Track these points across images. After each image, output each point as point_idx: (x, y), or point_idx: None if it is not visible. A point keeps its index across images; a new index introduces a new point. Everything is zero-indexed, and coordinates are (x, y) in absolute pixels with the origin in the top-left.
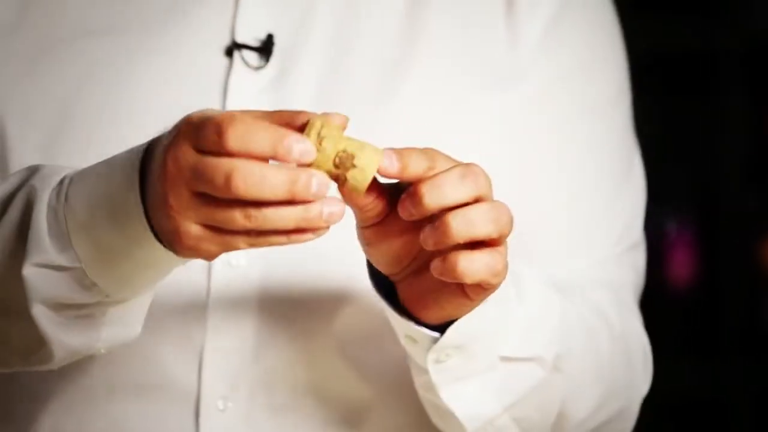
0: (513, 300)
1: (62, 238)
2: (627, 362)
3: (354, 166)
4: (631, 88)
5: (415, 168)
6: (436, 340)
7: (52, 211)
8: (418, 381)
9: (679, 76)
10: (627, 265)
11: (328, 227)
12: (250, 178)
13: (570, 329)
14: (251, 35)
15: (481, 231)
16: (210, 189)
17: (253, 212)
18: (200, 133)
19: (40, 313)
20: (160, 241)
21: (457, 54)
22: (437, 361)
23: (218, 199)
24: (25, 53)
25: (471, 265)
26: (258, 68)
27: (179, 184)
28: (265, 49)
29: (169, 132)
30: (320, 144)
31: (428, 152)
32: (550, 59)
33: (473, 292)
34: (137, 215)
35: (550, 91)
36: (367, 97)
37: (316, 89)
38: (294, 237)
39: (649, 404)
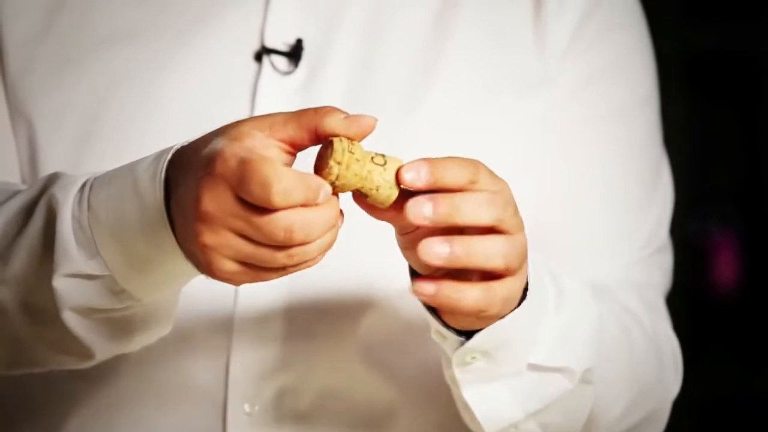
0: (551, 308)
1: (90, 246)
2: (659, 363)
3: (376, 189)
4: (677, 92)
5: (452, 179)
6: (462, 343)
7: (76, 220)
8: (447, 373)
9: (722, 80)
10: (655, 267)
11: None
12: (305, 228)
13: (606, 336)
14: (280, 40)
15: (492, 265)
16: (266, 240)
17: (296, 251)
18: (245, 188)
19: (70, 318)
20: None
21: (485, 60)
22: (462, 363)
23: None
24: (54, 60)
25: (461, 299)
26: (287, 73)
27: (217, 226)
28: (294, 54)
29: (200, 162)
30: (345, 168)
31: (472, 165)
32: (578, 64)
33: (479, 318)
34: (166, 234)
35: (578, 94)
36: (395, 103)
37: (345, 94)
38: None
39: (694, 410)
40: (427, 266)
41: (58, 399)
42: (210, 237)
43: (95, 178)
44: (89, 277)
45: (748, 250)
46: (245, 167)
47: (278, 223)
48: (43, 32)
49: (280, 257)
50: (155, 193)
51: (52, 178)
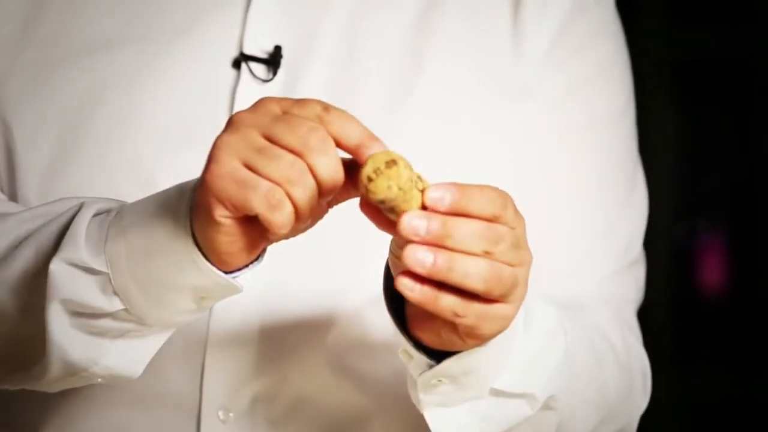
0: (519, 335)
1: (99, 244)
2: (629, 386)
3: (400, 208)
4: (666, 96)
5: (480, 210)
6: (430, 366)
7: (97, 218)
8: (411, 393)
9: (713, 84)
10: (628, 281)
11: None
12: (329, 137)
13: (574, 362)
14: (259, 47)
15: (469, 284)
16: (286, 133)
17: (296, 163)
18: (302, 103)
19: (54, 312)
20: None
21: (465, 67)
22: (428, 385)
23: None
24: (34, 67)
25: (437, 299)
26: (265, 80)
27: (246, 125)
28: (273, 61)
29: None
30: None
31: (501, 199)
32: (555, 73)
33: (465, 335)
34: (190, 247)
35: (555, 104)
36: (375, 110)
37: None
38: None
39: (681, 413)
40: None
41: (33, 406)
42: (232, 132)
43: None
44: (87, 270)
45: (736, 255)
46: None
47: (304, 121)
48: (23, 39)
49: (286, 161)
50: (182, 202)
51: (90, 200)
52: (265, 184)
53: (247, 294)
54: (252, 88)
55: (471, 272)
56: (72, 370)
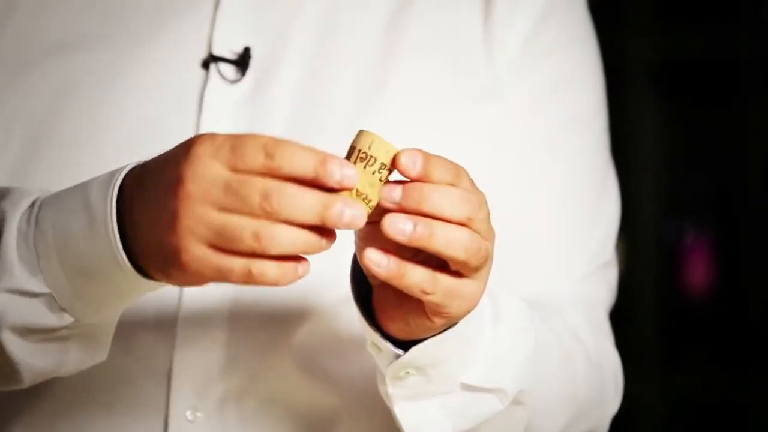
0: (487, 329)
1: (32, 263)
2: (600, 386)
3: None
4: (653, 96)
5: (438, 178)
6: (398, 356)
7: (23, 236)
8: (381, 388)
9: (700, 84)
10: (601, 283)
11: (307, 272)
12: (288, 197)
13: (544, 358)
14: (228, 48)
15: (450, 252)
16: (243, 206)
17: (265, 231)
18: (240, 152)
19: (8, 339)
20: (135, 266)
21: (436, 70)
22: (396, 377)
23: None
24: (2, 67)
25: (407, 272)
26: (234, 81)
27: (199, 203)
28: (242, 62)
29: (177, 150)
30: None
31: (457, 169)
32: (526, 76)
33: (433, 314)
34: (115, 249)
35: (526, 108)
36: (346, 111)
37: (292, 103)
38: (287, 267)
39: (667, 413)
40: (375, 276)
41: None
42: (187, 217)
43: (46, 197)
44: (29, 294)
45: (723, 255)
46: (242, 137)
47: (255, 183)
48: None
49: (249, 233)
50: (107, 206)
51: (3, 192)
52: (238, 264)
53: (217, 293)
54: (221, 89)
55: (453, 239)
56: (43, 375)
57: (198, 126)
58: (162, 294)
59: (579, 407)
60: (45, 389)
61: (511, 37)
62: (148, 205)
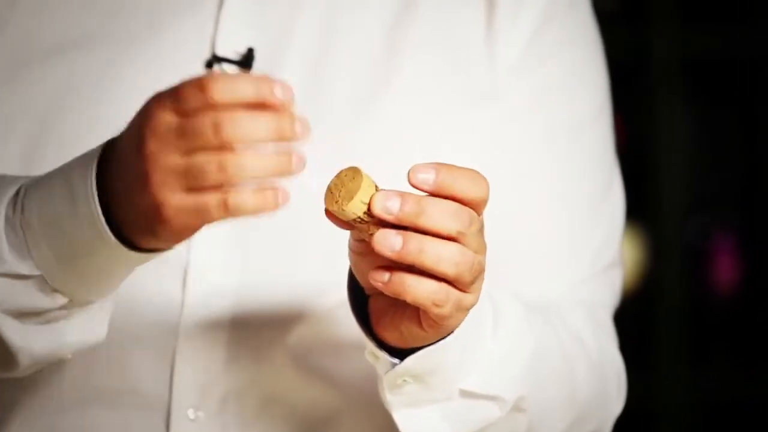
0: (488, 336)
1: (21, 247)
2: (602, 388)
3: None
4: (677, 95)
5: (462, 191)
6: (394, 365)
7: (9, 222)
8: (381, 394)
9: (722, 84)
10: (604, 284)
11: (287, 200)
12: (238, 122)
13: (544, 362)
14: (231, 49)
15: (441, 269)
16: (198, 142)
17: (228, 161)
18: (180, 95)
19: (3, 322)
20: (120, 239)
21: (438, 71)
22: (394, 385)
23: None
24: (3, 67)
25: (418, 285)
26: None
27: (162, 153)
28: (245, 62)
29: (135, 116)
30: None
31: (485, 182)
32: (528, 77)
33: (427, 324)
34: (99, 222)
35: (529, 109)
36: (347, 114)
37: (296, 104)
38: (266, 194)
39: (694, 413)
40: (371, 285)
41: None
42: (156, 171)
43: (30, 181)
44: (21, 277)
45: (748, 253)
46: (180, 83)
47: (206, 117)
48: None
49: (213, 166)
50: (86, 181)
51: None
52: (213, 199)
53: (219, 293)
54: None
55: (444, 256)
56: (44, 359)
57: None
58: (165, 293)
59: (580, 410)
60: (47, 387)
61: (514, 38)
62: (123, 174)
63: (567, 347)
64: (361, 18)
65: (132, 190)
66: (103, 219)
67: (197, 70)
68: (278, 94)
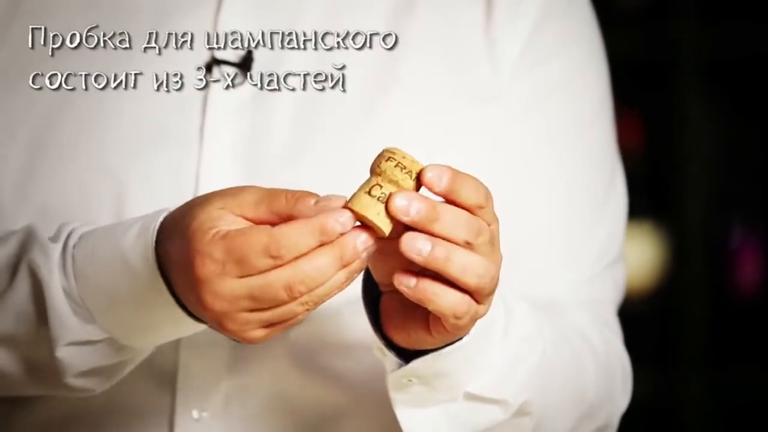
0: (497, 339)
1: (85, 315)
2: (608, 385)
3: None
4: (700, 94)
5: (467, 197)
6: (400, 365)
7: (67, 293)
8: (388, 390)
9: (746, 83)
10: (608, 281)
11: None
12: (306, 276)
13: (552, 363)
14: (231, 51)
15: (465, 279)
16: (273, 305)
17: (305, 299)
18: (248, 264)
19: (74, 382)
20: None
21: (438, 71)
22: (399, 384)
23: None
24: (5, 71)
25: (443, 296)
26: (237, 85)
27: (231, 312)
28: (244, 65)
29: (183, 264)
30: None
31: (486, 191)
32: (527, 76)
33: (436, 330)
34: (169, 307)
35: (530, 108)
36: (347, 115)
37: (295, 106)
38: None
39: (718, 411)
40: (389, 272)
41: (13, 419)
42: (232, 324)
43: (74, 248)
44: (90, 342)
45: None
46: (232, 245)
47: (274, 284)
48: None
49: (296, 308)
50: (151, 275)
51: (28, 238)
52: (297, 306)
53: None
54: (223, 92)
55: (468, 266)
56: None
57: (202, 129)
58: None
59: (587, 407)
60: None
61: (513, 38)
62: (189, 302)
63: (574, 346)
64: (361, 17)
65: (201, 316)
66: (175, 302)
67: (197, 73)
68: (338, 230)
